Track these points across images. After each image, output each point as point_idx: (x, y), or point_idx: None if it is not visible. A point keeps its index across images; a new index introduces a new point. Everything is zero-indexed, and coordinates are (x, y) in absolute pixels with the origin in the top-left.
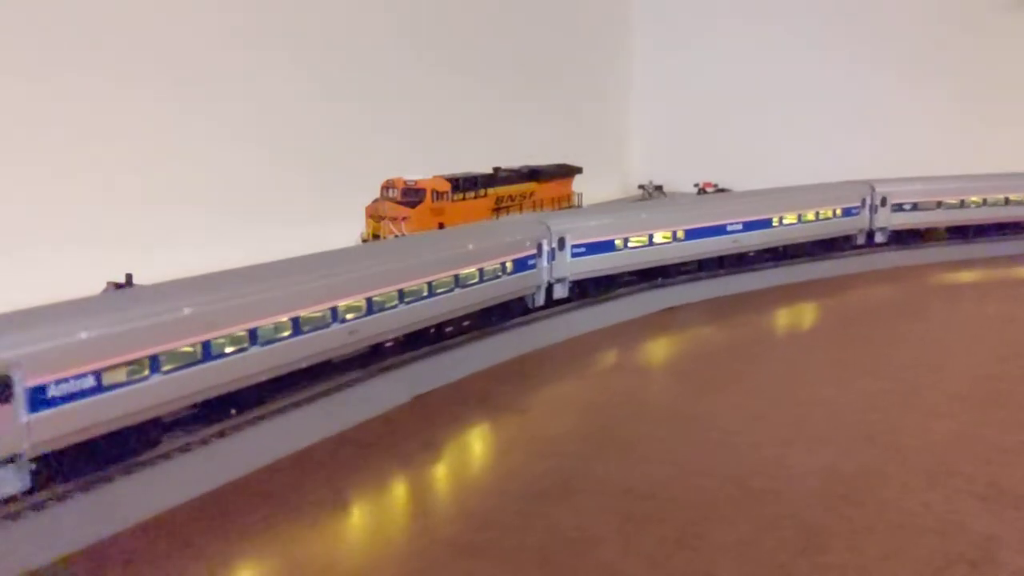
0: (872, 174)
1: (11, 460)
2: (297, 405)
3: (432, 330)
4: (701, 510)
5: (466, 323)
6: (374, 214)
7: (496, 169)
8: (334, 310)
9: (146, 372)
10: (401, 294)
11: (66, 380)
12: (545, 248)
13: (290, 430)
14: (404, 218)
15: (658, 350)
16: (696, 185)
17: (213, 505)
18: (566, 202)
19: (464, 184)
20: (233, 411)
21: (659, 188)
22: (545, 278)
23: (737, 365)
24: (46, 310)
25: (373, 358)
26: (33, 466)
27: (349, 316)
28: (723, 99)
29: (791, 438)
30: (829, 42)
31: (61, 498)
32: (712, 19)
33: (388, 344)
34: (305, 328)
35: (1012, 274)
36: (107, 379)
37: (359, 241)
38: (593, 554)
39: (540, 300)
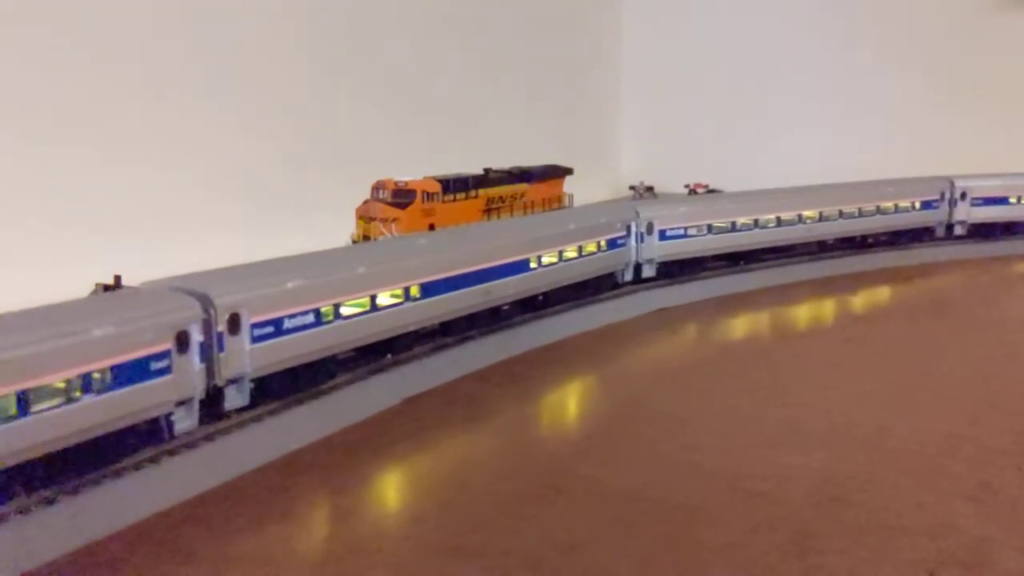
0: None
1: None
2: (287, 408)
3: (857, 238)
4: (692, 512)
5: (882, 238)
6: (364, 215)
7: (487, 170)
8: (800, 215)
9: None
10: (841, 213)
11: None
12: (947, 197)
13: (280, 433)
14: (395, 219)
15: (650, 351)
16: (687, 186)
17: (202, 508)
18: (557, 203)
19: (455, 185)
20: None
21: (650, 189)
22: (945, 218)
23: (729, 366)
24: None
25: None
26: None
27: (808, 220)
28: (714, 100)
29: (782, 440)
30: (821, 42)
31: (47, 502)
32: (703, 20)
33: (830, 241)
34: (783, 224)
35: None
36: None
37: (349, 243)
38: (584, 556)
39: (941, 233)
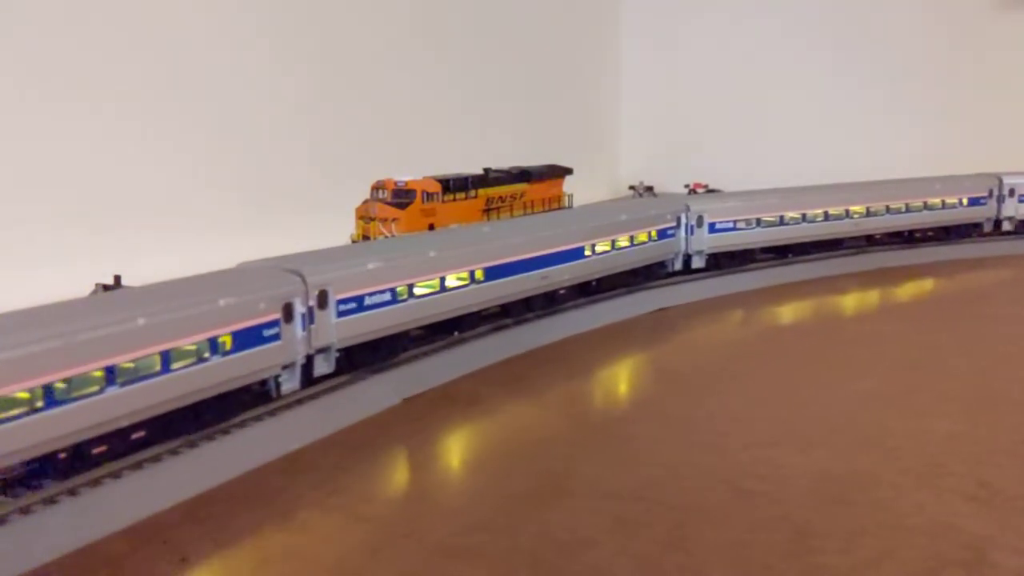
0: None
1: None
2: (287, 408)
3: (905, 233)
4: (692, 512)
5: (929, 233)
6: (364, 215)
7: (486, 170)
8: (847, 210)
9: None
10: (887, 208)
11: None
12: (995, 193)
13: (280, 433)
14: (394, 219)
15: (649, 351)
16: (687, 186)
17: (202, 509)
18: (556, 203)
19: (454, 185)
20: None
21: (650, 189)
22: (993, 215)
23: (729, 365)
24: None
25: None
26: None
27: (855, 215)
28: (712, 100)
29: (782, 439)
30: (819, 41)
31: (48, 502)
32: (702, 20)
33: (877, 236)
34: (830, 218)
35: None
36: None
37: (349, 242)
38: (584, 556)
39: (988, 228)
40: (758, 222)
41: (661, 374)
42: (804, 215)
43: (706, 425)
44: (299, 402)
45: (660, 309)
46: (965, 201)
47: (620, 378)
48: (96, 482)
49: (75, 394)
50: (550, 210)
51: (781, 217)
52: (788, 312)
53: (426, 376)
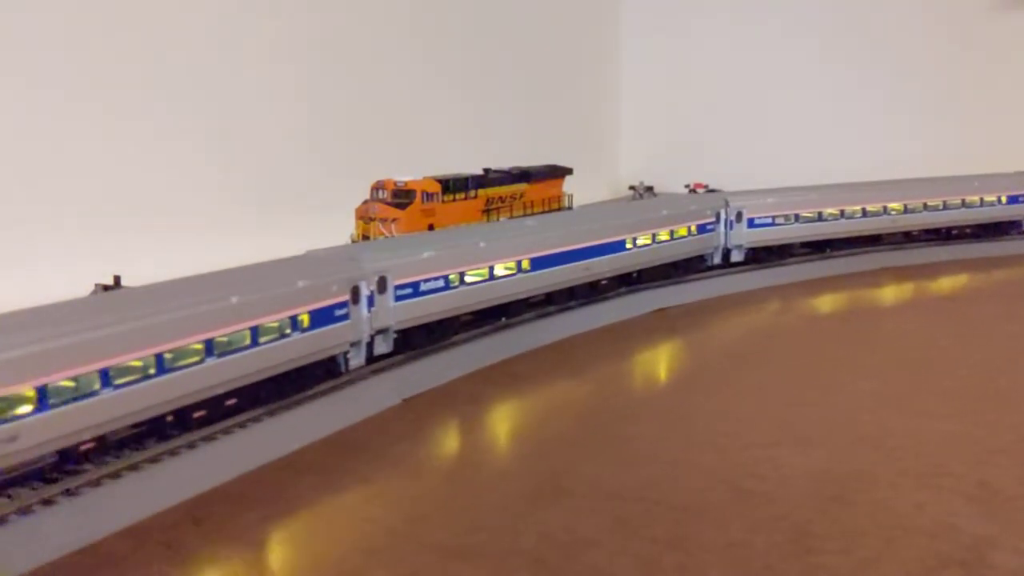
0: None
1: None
2: (287, 408)
3: (943, 230)
4: (692, 512)
5: (967, 231)
6: (364, 215)
7: (486, 170)
8: (885, 207)
9: None
10: (925, 205)
11: None
12: None
13: (280, 433)
14: (394, 219)
15: (649, 351)
16: (687, 186)
17: (203, 508)
18: (556, 203)
19: (454, 185)
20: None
21: (650, 189)
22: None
23: (729, 365)
24: None
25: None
26: None
27: (893, 212)
28: (714, 100)
29: (782, 439)
30: (819, 41)
31: (48, 502)
32: (702, 20)
33: (915, 232)
34: (868, 215)
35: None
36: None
37: (349, 242)
38: (584, 556)
39: None
40: (797, 218)
41: (661, 374)
42: (842, 211)
43: (706, 425)
44: (299, 402)
45: (659, 309)
46: (1004, 199)
47: (620, 378)
48: (96, 482)
49: (180, 363)
50: (550, 210)
51: (820, 213)
52: (796, 311)
53: (426, 376)
